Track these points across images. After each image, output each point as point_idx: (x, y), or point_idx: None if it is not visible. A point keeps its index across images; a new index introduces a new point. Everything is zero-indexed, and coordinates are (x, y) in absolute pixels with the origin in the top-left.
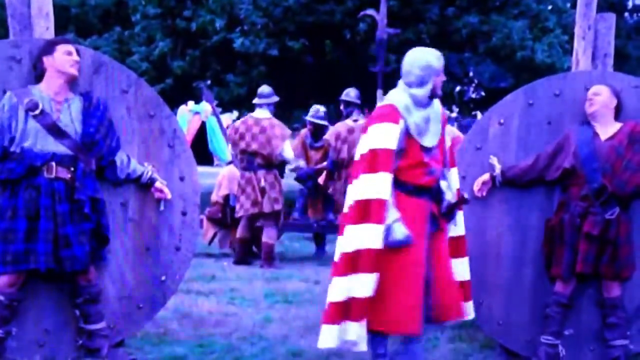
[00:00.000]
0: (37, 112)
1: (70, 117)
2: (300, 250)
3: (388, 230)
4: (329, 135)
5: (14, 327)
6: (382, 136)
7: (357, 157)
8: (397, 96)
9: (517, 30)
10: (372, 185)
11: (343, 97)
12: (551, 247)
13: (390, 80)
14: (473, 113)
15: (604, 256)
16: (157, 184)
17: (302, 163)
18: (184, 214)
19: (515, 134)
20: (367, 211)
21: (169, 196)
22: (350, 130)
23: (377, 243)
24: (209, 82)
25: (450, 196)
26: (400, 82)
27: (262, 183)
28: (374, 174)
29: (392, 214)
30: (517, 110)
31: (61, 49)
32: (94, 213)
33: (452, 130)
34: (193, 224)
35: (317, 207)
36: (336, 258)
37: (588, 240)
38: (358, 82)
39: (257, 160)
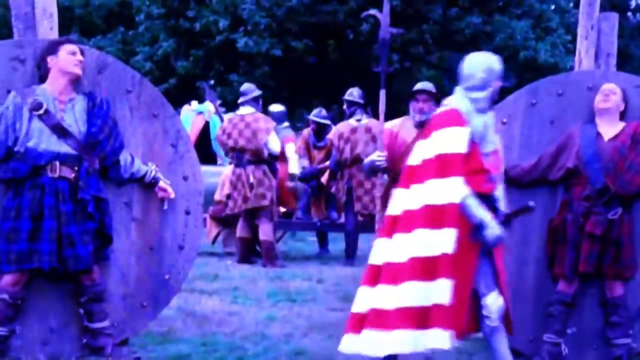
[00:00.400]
0: (41, 111)
1: (74, 117)
2: (304, 249)
3: (484, 229)
4: (332, 135)
5: (18, 326)
6: (451, 140)
7: (415, 162)
8: (458, 102)
9: (520, 30)
10: (446, 191)
11: (346, 96)
12: (554, 246)
13: (393, 81)
14: None
15: (606, 256)
16: (161, 184)
17: (305, 162)
18: (187, 213)
19: (518, 133)
20: (443, 216)
21: (173, 195)
22: (354, 130)
23: (452, 248)
24: (212, 82)
25: (503, 205)
26: (458, 89)
27: (251, 179)
28: (446, 179)
29: (486, 213)
30: (520, 110)
31: (65, 49)
32: (97, 212)
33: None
34: (196, 223)
35: (320, 206)
36: (380, 261)
37: (591, 240)
38: (361, 82)
39: (245, 156)
